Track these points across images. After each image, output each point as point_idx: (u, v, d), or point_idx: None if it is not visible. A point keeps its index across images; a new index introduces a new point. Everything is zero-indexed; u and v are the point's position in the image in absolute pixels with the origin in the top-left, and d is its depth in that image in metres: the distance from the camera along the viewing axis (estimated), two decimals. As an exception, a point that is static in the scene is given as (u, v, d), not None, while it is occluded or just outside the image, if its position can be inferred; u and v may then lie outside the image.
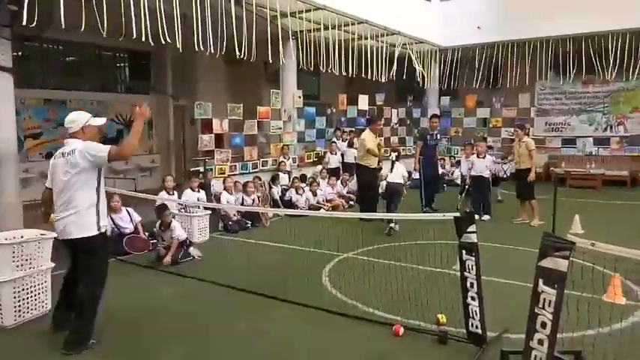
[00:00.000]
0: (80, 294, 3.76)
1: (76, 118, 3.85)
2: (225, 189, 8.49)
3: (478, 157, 8.95)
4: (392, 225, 7.63)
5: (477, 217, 4.02)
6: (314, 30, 10.21)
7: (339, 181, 10.86)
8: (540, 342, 2.71)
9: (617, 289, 4.59)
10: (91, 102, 11.04)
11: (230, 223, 8.01)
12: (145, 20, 6.53)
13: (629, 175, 13.31)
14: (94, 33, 6.28)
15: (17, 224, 6.33)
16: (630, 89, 14.11)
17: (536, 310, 2.73)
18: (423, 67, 13.61)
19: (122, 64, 12.38)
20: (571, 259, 2.64)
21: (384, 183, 8.34)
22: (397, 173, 8.04)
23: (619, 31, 11.80)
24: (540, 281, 2.71)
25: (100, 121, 3.98)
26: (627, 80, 13.36)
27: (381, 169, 8.81)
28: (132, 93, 12.31)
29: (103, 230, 3.80)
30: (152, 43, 6.64)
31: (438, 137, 9.70)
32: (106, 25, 6.25)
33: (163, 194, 7.49)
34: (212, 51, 7.54)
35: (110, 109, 11.49)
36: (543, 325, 2.69)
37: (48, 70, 10.71)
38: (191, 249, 6.42)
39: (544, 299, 2.68)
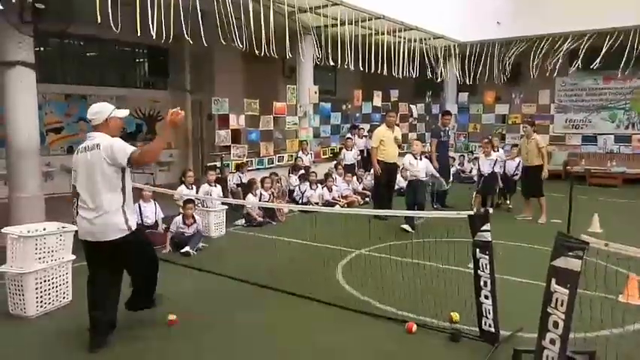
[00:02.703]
0: (141, 282, 3.92)
1: (100, 110, 3.72)
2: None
3: (486, 156, 8.92)
4: (416, 221, 7.63)
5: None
6: (331, 25, 10.20)
7: (354, 177, 10.87)
8: (552, 342, 2.71)
9: (634, 290, 4.53)
10: (110, 97, 11.19)
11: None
12: (164, 16, 6.62)
13: (651, 173, 13.06)
14: (113, 29, 6.36)
15: (39, 217, 6.50)
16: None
17: (548, 310, 2.73)
18: (441, 62, 13.51)
19: (141, 60, 12.55)
20: (586, 258, 2.64)
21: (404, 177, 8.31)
22: (421, 169, 7.98)
23: (638, 26, 11.53)
24: (553, 281, 2.70)
25: (124, 112, 3.88)
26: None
27: (397, 165, 8.79)
28: (150, 88, 12.49)
29: (133, 229, 3.67)
30: (170, 39, 6.73)
31: (449, 134, 9.64)
32: (121, 22, 6.30)
33: (182, 188, 7.61)
34: (238, 45, 7.61)
35: (129, 103, 11.65)
36: (555, 324, 2.69)
37: (68, 65, 10.93)
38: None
39: (556, 299, 2.68)
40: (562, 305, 2.67)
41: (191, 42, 7.15)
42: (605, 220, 7.48)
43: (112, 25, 5.94)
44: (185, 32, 6.92)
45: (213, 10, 7.30)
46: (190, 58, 12.52)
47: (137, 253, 3.77)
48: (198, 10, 7.12)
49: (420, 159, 8.01)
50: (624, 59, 11.77)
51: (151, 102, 12.26)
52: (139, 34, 6.33)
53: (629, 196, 11.05)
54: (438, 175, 8.55)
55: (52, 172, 9.87)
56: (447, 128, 9.69)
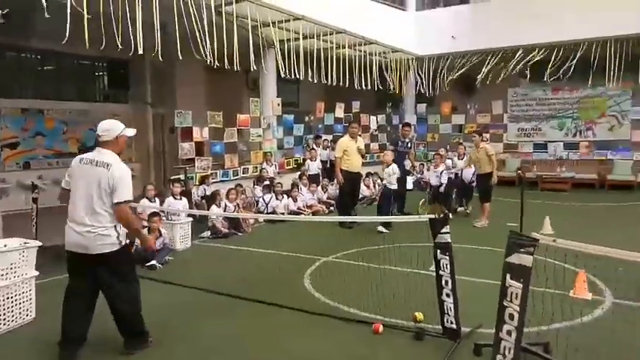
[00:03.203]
0: (123, 305, 3.74)
1: (111, 127, 3.73)
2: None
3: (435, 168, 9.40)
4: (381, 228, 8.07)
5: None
6: (293, 39, 10.40)
7: (319, 187, 11.03)
8: (509, 333, 2.91)
9: (583, 285, 4.85)
10: (69, 111, 11.02)
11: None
12: (124, 30, 6.63)
13: (597, 177, 13.83)
14: (72, 43, 6.29)
15: (-4, 234, 6.31)
16: (597, 96, 14.68)
17: (504, 303, 2.93)
18: (399, 76, 13.95)
19: (100, 73, 12.37)
20: (539, 256, 2.86)
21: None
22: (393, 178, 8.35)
23: (584, 40, 12.33)
24: (508, 276, 2.92)
25: (132, 132, 3.89)
26: (594, 87, 13.94)
27: (360, 174, 9.03)
28: (110, 102, 12.31)
29: (123, 244, 3.69)
30: (136, 52, 6.72)
31: (409, 145, 9.95)
32: (87, 35, 6.29)
33: (145, 202, 7.55)
34: (204, 57, 7.66)
35: (89, 117, 11.46)
36: (511, 316, 2.90)
37: (25, 79, 10.67)
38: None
39: (511, 292, 2.89)
40: (517, 298, 2.88)
41: (160, 56, 7.16)
42: (556, 222, 7.91)
43: (73, 39, 5.91)
44: (141, 46, 6.91)
45: (174, 24, 7.35)
46: (151, 70, 12.43)
47: (124, 268, 3.75)
48: (157, 24, 7.15)
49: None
50: (571, 71, 12.53)
51: (111, 116, 11.98)
52: (102, 48, 6.31)
53: (577, 200, 11.67)
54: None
55: (7, 188, 9.56)
56: (407, 139, 9.96)
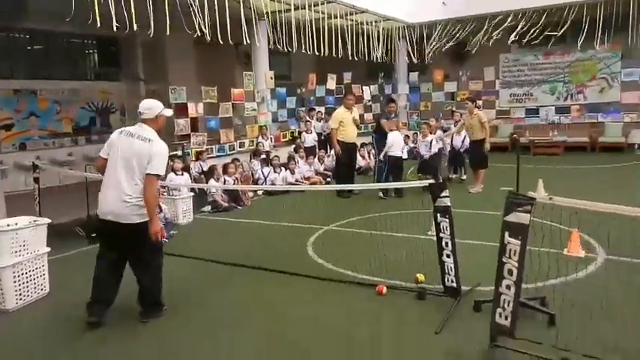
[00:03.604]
0: (147, 274, 3.95)
1: (152, 106, 3.97)
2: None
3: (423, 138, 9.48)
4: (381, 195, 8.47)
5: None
6: (285, 10, 10.31)
7: (315, 159, 11.13)
8: (508, 287, 3.08)
9: (576, 243, 5.05)
10: (62, 91, 10.94)
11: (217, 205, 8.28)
12: (116, 6, 6.57)
13: (589, 140, 14.04)
14: (61, 21, 6.22)
15: (0, 216, 6.38)
16: (587, 59, 14.76)
17: (503, 260, 3.09)
18: (391, 44, 13.90)
19: (91, 51, 12.23)
20: (535, 218, 3.00)
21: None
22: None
23: (574, 3, 12.30)
24: (506, 234, 3.06)
25: (170, 112, 4.14)
26: (584, 50, 14.00)
27: (355, 145, 9.13)
28: (102, 80, 12.21)
29: None
30: (116, 28, 6.64)
31: (393, 117, 10.01)
32: (73, 11, 6.19)
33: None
34: (196, 31, 7.61)
35: (81, 96, 11.40)
36: (510, 272, 3.06)
37: (16, 59, 10.54)
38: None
39: (510, 249, 3.05)
40: (515, 255, 3.04)
41: (152, 32, 7.10)
42: (549, 185, 8.07)
43: (62, 17, 5.85)
44: (134, 21, 6.85)
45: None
46: (142, 47, 12.29)
47: (151, 240, 3.92)
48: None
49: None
50: (561, 35, 12.55)
51: (103, 94, 11.99)
52: (98, 25, 6.26)
53: (570, 163, 11.90)
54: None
55: (5, 169, 9.57)
56: (392, 115, 10.03)
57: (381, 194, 8.60)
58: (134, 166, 3.78)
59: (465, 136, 9.69)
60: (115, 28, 6.51)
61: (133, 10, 6.77)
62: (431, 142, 9.32)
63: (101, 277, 3.92)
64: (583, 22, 12.26)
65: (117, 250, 3.93)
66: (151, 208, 3.82)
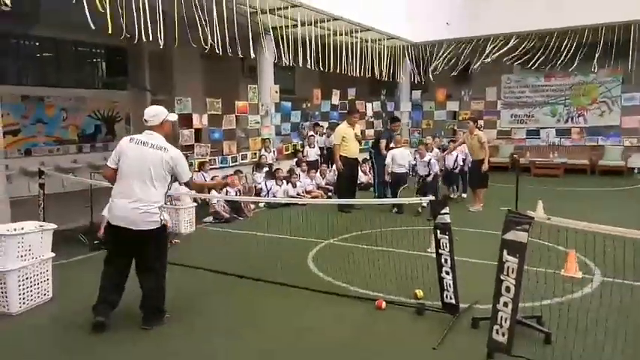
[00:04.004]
0: (151, 280, 4.02)
1: (158, 112, 4.05)
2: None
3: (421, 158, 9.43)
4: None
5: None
6: (291, 26, 10.50)
7: (317, 173, 11.22)
8: (505, 304, 3.15)
9: (573, 264, 5.11)
10: (69, 98, 11.09)
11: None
12: (127, 17, 6.72)
13: (589, 163, 14.15)
14: (71, 29, 6.33)
15: (5, 220, 6.44)
16: (589, 82, 14.94)
17: (501, 277, 3.17)
18: (394, 62, 14.11)
19: (99, 60, 12.42)
20: (533, 239, 3.08)
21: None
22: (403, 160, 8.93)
23: (577, 27, 12.52)
24: (505, 252, 3.14)
25: (175, 116, 4.25)
26: (585, 74, 14.21)
27: (358, 160, 9.23)
28: (109, 88, 12.38)
29: (163, 223, 3.99)
30: (139, 39, 6.80)
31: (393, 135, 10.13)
32: (80, 22, 6.32)
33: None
34: (203, 45, 7.76)
35: (88, 104, 11.55)
36: (507, 289, 3.14)
37: (25, 66, 10.71)
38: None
39: (508, 267, 3.12)
40: (513, 272, 3.11)
41: (160, 42, 7.25)
42: (548, 205, 8.15)
43: (74, 26, 5.98)
44: (148, 32, 7.01)
45: (173, 10, 7.43)
46: (149, 57, 12.49)
47: (160, 246, 4.07)
48: (159, 10, 7.24)
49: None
50: (564, 58, 12.75)
51: (110, 103, 12.15)
52: (109, 33, 6.39)
53: (569, 185, 11.99)
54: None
55: (10, 175, 9.64)
56: (396, 134, 10.16)
57: (395, 209, 8.74)
58: (149, 173, 3.87)
59: (457, 155, 9.76)
60: (124, 37, 6.65)
61: (143, 22, 6.92)
62: (429, 162, 9.23)
63: (108, 280, 4.02)
64: (583, 46, 12.46)
65: (125, 256, 4.03)
66: (210, 188, 3.97)
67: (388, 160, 9.09)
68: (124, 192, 3.90)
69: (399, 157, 9.00)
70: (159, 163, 3.89)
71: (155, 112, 4.06)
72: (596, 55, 12.33)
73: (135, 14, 6.76)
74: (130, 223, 3.87)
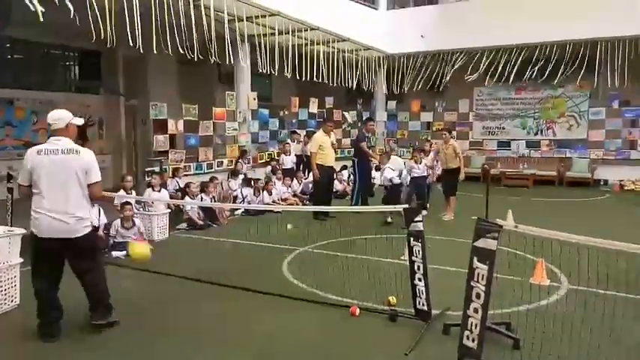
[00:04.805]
0: (94, 278, 3.99)
1: (62, 116, 3.97)
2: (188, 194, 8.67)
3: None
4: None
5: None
6: (269, 34, 10.56)
7: (293, 181, 11.23)
8: (475, 310, 3.23)
9: (541, 272, 5.26)
10: (39, 101, 10.85)
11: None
12: (99, 20, 6.67)
13: (557, 174, 14.56)
14: (43, 32, 6.24)
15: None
16: (557, 96, 15.44)
17: (472, 284, 3.25)
18: (370, 73, 14.32)
19: (72, 63, 12.20)
20: (502, 247, 3.18)
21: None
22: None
23: (546, 43, 12.98)
24: (475, 259, 3.23)
25: (80, 121, 4.13)
26: (554, 89, 14.68)
27: (334, 169, 9.28)
28: (82, 92, 12.16)
29: (94, 224, 4.01)
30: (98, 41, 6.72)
31: (373, 142, 10.11)
32: (53, 25, 6.23)
33: (122, 193, 7.59)
34: (170, 52, 7.72)
35: (60, 108, 11.27)
36: (478, 295, 3.22)
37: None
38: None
39: (478, 274, 3.21)
40: (482, 279, 3.20)
41: (137, 46, 7.20)
42: (518, 215, 8.36)
43: (45, 28, 5.91)
44: (120, 37, 6.96)
45: (149, 15, 7.40)
46: (124, 61, 12.34)
47: (94, 246, 4.11)
48: (137, 15, 7.20)
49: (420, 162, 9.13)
50: (533, 72, 13.16)
51: (82, 107, 11.91)
52: (93, 40, 6.32)
53: (538, 195, 12.32)
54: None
55: (-22, 179, 9.37)
56: (369, 135, 10.10)
57: (389, 219, 8.41)
58: (70, 180, 3.79)
59: (423, 168, 9.78)
60: (95, 40, 6.58)
61: (120, 26, 6.87)
62: (400, 172, 9.27)
63: (45, 292, 3.90)
64: (553, 61, 12.90)
65: (57, 265, 3.94)
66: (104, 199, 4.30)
67: (386, 175, 8.94)
68: (50, 207, 3.75)
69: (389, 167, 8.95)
70: (79, 167, 3.82)
71: (59, 116, 3.96)
72: (560, 71, 12.80)
73: (108, 18, 6.70)
74: (65, 233, 3.78)
